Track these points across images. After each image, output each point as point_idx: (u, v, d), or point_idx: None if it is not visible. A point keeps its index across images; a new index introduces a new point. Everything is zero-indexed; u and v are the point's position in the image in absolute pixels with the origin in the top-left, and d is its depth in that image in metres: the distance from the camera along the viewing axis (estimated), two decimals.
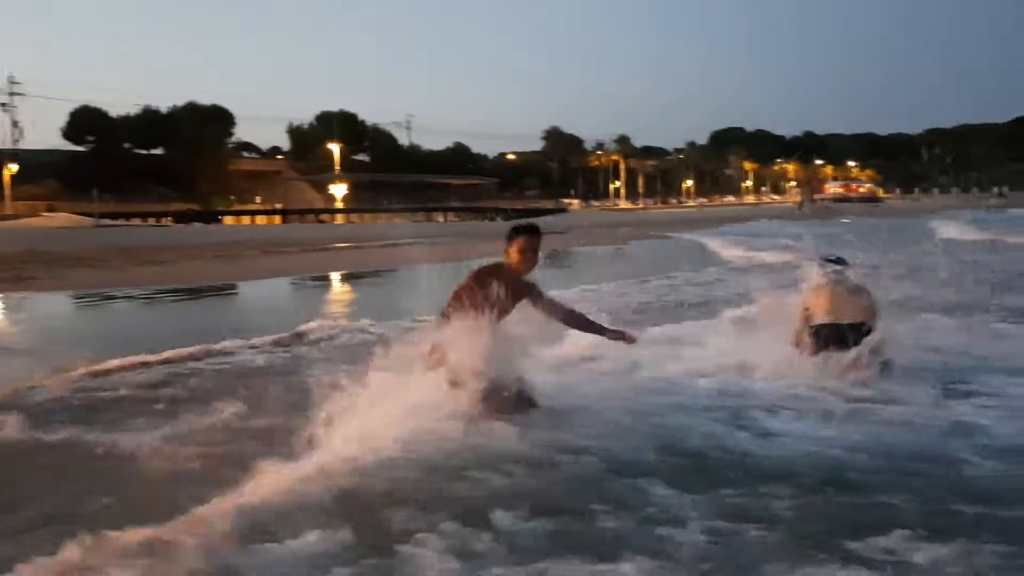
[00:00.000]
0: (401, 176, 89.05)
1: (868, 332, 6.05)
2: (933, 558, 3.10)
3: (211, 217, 66.49)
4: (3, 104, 66.42)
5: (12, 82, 66.51)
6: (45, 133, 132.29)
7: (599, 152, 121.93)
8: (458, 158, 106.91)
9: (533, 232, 5.05)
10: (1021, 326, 8.42)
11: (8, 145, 66.90)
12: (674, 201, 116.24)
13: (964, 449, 4.40)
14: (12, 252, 24.34)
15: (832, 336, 6.08)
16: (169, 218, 63.92)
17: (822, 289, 6.37)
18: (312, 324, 9.20)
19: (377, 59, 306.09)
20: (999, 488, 3.87)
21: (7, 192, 62.22)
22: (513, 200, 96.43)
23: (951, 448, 4.44)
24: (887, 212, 75.69)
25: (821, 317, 6.22)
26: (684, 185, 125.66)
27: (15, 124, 67.85)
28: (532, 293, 5.04)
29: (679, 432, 4.71)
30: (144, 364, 7.24)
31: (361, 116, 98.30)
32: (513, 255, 4.98)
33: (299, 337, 8.69)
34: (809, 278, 6.56)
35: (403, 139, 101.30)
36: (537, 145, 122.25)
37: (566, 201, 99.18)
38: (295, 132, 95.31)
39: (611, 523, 3.47)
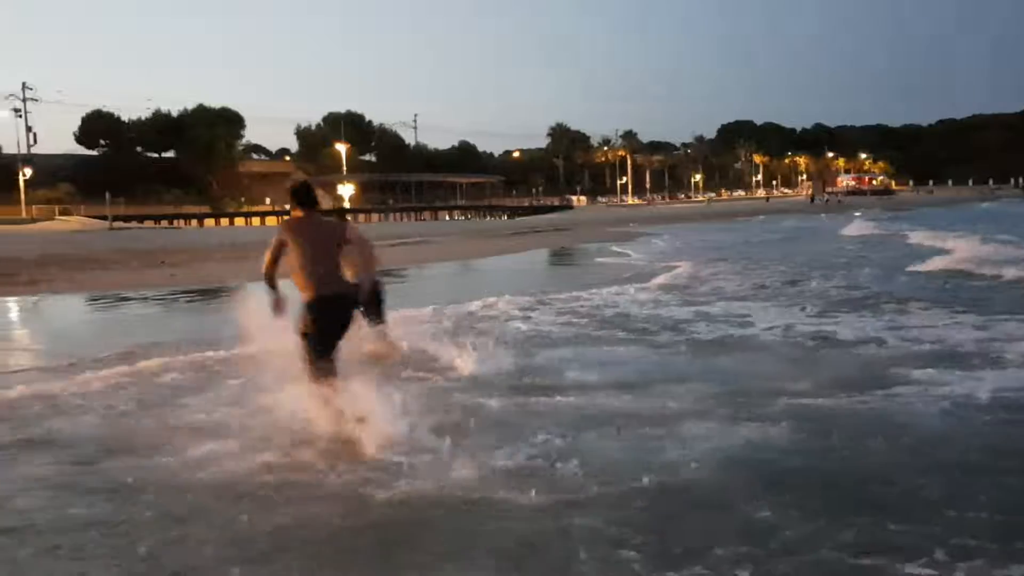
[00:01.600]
0: (408, 175, 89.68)
1: None
2: None
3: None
4: (17, 110, 67.29)
5: (26, 88, 67.40)
6: (59, 138, 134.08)
7: (605, 148, 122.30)
8: (464, 157, 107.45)
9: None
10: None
11: (23, 150, 67.87)
12: (682, 196, 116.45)
13: None
14: (27, 255, 25.01)
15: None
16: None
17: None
18: None
19: (383, 59, 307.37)
20: None
21: (22, 196, 63.15)
22: (519, 198, 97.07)
23: None
24: (896, 204, 76.81)
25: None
26: (692, 180, 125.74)
27: (29, 129, 68.78)
28: None
29: None
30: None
31: (368, 116, 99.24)
32: None
33: None
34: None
35: (409, 138, 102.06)
36: (543, 142, 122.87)
37: (572, 198, 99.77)
38: (303, 133, 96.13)
39: None
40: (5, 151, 73.99)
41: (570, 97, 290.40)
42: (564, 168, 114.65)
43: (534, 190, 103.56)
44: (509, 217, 77.38)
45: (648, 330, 9.11)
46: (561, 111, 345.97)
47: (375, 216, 77.26)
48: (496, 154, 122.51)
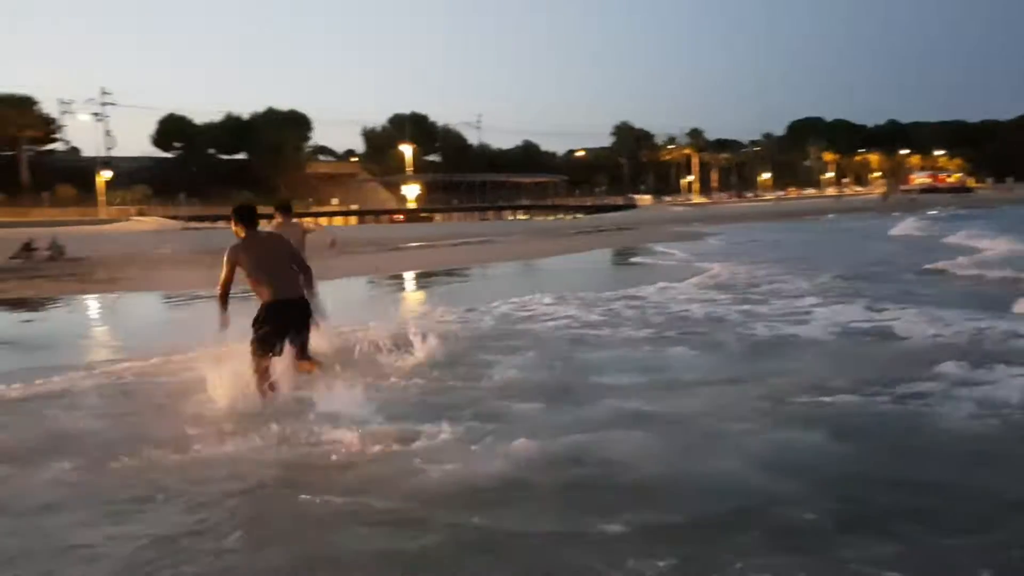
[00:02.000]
0: (472, 175, 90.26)
1: None
2: None
3: None
4: (96, 114, 69.90)
5: (104, 93, 69.92)
6: (135, 141, 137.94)
7: (670, 146, 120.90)
8: (527, 156, 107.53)
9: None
10: None
11: (102, 153, 70.53)
12: (749, 195, 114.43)
13: None
14: (106, 254, 26.01)
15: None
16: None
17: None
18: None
19: (446, 60, 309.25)
20: None
21: (102, 198, 65.69)
22: (582, 197, 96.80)
23: None
24: (973, 202, 74.40)
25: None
26: (760, 178, 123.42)
27: (108, 133, 71.39)
28: None
29: None
30: None
31: (432, 117, 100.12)
32: None
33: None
34: None
35: (473, 139, 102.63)
36: (607, 141, 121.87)
37: (636, 197, 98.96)
38: (369, 134, 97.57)
39: None
40: (84, 154, 77.07)
41: (635, 95, 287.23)
42: (629, 167, 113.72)
43: (596, 189, 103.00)
44: (573, 217, 77.39)
45: (710, 327, 9.20)
46: (626, 110, 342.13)
47: (439, 216, 78.06)
48: (560, 153, 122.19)
